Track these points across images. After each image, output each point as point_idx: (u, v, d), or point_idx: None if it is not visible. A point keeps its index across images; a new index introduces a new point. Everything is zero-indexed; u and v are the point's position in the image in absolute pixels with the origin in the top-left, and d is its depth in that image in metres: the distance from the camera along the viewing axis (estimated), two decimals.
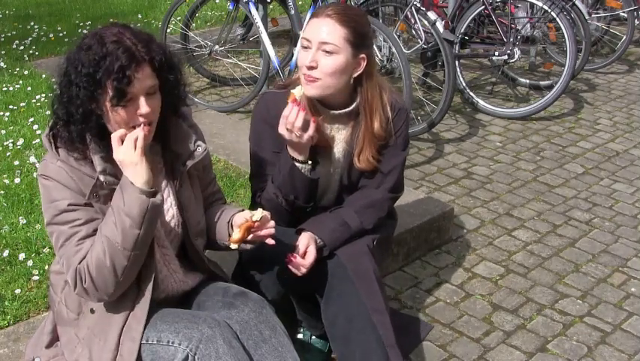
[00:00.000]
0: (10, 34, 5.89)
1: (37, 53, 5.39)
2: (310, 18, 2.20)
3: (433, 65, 4.81)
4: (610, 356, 2.63)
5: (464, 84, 4.88)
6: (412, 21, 4.38)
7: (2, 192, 3.20)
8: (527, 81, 5.38)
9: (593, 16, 5.84)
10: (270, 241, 1.98)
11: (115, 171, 1.77)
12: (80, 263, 1.76)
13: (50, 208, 1.78)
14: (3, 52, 5.40)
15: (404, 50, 4.09)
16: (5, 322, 2.38)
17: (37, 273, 2.62)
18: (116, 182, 1.76)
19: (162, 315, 1.88)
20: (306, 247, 2.13)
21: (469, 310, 2.86)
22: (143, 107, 1.72)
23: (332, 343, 2.21)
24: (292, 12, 4.58)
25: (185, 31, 4.87)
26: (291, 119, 2.06)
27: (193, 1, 4.77)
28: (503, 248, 3.31)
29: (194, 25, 5.24)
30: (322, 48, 2.09)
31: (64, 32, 5.96)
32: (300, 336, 2.54)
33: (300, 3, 5.39)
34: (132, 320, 1.85)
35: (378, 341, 2.09)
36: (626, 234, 3.47)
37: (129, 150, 1.70)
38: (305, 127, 2.08)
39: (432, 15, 4.19)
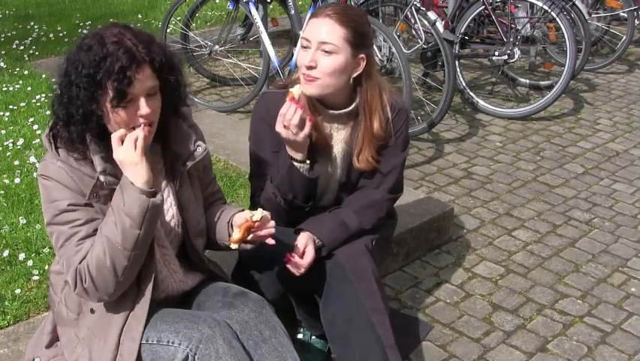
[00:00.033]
0: (10, 34, 5.89)
1: (37, 53, 5.39)
2: (310, 18, 2.20)
3: (433, 65, 4.81)
4: (610, 356, 2.63)
5: (464, 84, 4.88)
6: (412, 21, 4.38)
7: (2, 192, 3.20)
8: (527, 81, 5.38)
9: (593, 16, 5.84)
10: (270, 241, 1.98)
11: (115, 172, 1.77)
12: (80, 263, 1.76)
13: (50, 208, 1.78)
14: (3, 52, 5.40)
15: (404, 50, 4.09)
16: (5, 322, 2.38)
17: (37, 273, 2.62)
18: (116, 182, 1.76)
19: (162, 315, 1.88)
20: (304, 247, 2.13)
21: (469, 310, 2.86)
22: (144, 108, 1.72)
23: (331, 343, 2.21)
24: (292, 12, 4.58)
25: (185, 31, 4.87)
26: (288, 117, 2.06)
27: (193, 1, 4.77)
28: (503, 248, 3.31)
29: (194, 25, 5.24)
30: (321, 48, 2.09)
31: (64, 32, 5.96)
32: (300, 336, 2.54)
33: (300, 3, 5.39)
34: (132, 319, 1.85)
35: (378, 341, 2.09)
36: (626, 234, 3.47)
37: (129, 150, 1.70)
38: (301, 125, 2.08)
39: (432, 15, 4.19)
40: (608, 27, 6.09)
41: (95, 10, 6.89)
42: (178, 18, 4.96)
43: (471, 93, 4.89)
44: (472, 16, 4.72)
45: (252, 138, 2.34)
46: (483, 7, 4.63)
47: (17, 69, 4.92)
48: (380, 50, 4.60)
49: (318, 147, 2.25)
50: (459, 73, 4.77)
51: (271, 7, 5.49)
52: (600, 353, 2.64)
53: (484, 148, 4.39)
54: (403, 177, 2.42)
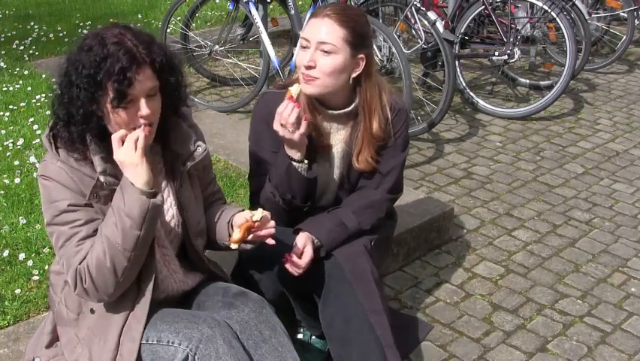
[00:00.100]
0: (10, 34, 5.89)
1: (37, 53, 5.39)
2: (309, 18, 2.20)
3: (433, 65, 4.81)
4: (610, 356, 2.63)
5: (464, 84, 4.88)
6: (412, 21, 4.38)
7: (2, 192, 3.20)
8: (527, 81, 5.38)
9: (593, 16, 5.84)
10: (270, 241, 1.98)
11: (115, 172, 1.77)
12: (80, 264, 1.76)
13: (50, 209, 1.78)
14: (3, 52, 5.40)
15: (404, 50, 4.09)
16: (5, 322, 2.38)
17: (37, 273, 2.62)
18: (117, 183, 1.76)
19: (162, 315, 1.88)
20: (303, 247, 2.13)
21: (469, 310, 2.86)
22: (144, 108, 1.72)
23: (330, 344, 2.21)
24: (292, 12, 4.58)
25: (185, 31, 4.87)
26: (285, 115, 2.07)
27: (193, 1, 4.77)
28: (503, 248, 3.31)
29: (194, 25, 5.24)
30: (320, 48, 2.09)
31: (64, 32, 5.96)
32: (300, 336, 2.54)
33: (300, 3, 5.39)
34: (132, 320, 1.86)
35: (376, 341, 2.09)
36: (626, 234, 3.47)
37: (130, 151, 1.70)
38: (298, 123, 2.08)
39: (432, 15, 4.19)
40: (608, 27, 6.09)
41: (95, 10, 6.89)
42: (178, 18, 4.96)
43: (471, 93, 4.89)
44: (472, 16, 4.72)
45: (251, 137, 2.34)
46: (483, 7, 4.63)
47: (17, 69, 4.92)
48: (380, 50, 4.61)
49: (317, 147, 2.25)
50: (459, 73, 4.77)
51: (271, 7, 5.49)
52: (600, 353, 2.64)
53: (484, 148, 4.39)
54: (402, 177, 2.42)
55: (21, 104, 4.23)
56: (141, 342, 1.84)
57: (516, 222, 3.55)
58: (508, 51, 4.60)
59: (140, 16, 6.68)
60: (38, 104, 4.26)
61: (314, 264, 2.14)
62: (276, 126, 2.11)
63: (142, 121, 1.73)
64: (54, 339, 2.02)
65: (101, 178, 1.75)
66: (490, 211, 3.63)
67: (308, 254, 2.12)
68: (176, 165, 1.94)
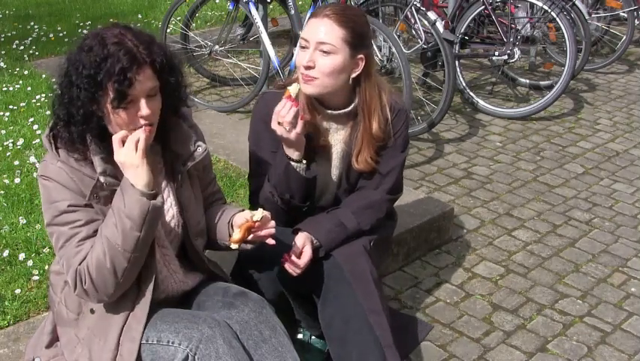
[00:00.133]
0: (10, 34, 5.89)
1: (37, 53, 5.39)
2: (309, 18, 2.20)
3: (433, 65, 4.81)
4: (610, 356, 2.63)
5: (464, 84, 4.88)
6: (412, 21, 4.38)
7: (2, 192, 3.20)
8: (527, 81, 5.38)
9: (593, 16, 5.84)
10: (271, 241, 1.98)
11: (115, 173, 1.77)
12: (80, 264, 1.76)
13: (50, 209, 1.78)
14: (3, 52, 5.40)
15: (404, 50, 4.09)
16: (5, 322, 2.38)
17: (37, 273, 2.62)
18: (117, 183, 1.76)
19: (162, 315, 1.88)
20: (302, 247, 2.13)
21: (469, 310, 2.86)
22: (144, 109, 1.72)
23: (329, 344, 2.21)
24: (292, 12, 4.58)
25: (185, 31, 4.87)
26: (283, 114, 2.07)
27: (193, 1, 4.77)
28: (503, 248, 3.31)
29: (194, 25, 5.24)
30: (319, 48, 2.09)
31: (64, 32, 5.96)
32: (300, 336, 2.54)
33: (300, 3, 5.39)
34: (132, 320, 1.86)
35: (376, 341, 2.09)
36: (626, 234, 3.47)
37: (130, 152, 1.70)
38: (295, 122, 2.08)
39: (432, 15, 4.19)
40: (608, 27, 6.09)
41: (95, 10, 6.89)
42: (178, 18, 4.96)
43: (471, 93, 4.89)
44: (472, 16, 4.72)
45: (251, 137, 2.35)
46: (483, 7, 4.63)
47: (17, 69, 4.92)
48: (380, 50, 4.60)
49: (316, 147, 2.25)
50: (459, 73, 4.77)
51: (271, 7, 5.49)
52: (600, 353, 2.64)
53: (484, 148, 4.39)
54: (402, 177, 2.42)
55: (21, 104, 4.23)
56: (141, 342, 1.84)
57: (516, 222, 3.55)
58: (508, 51, 4.60)
59: (140, 16, 6.68)
60: (38, 104, 4.26)
61: (313, 264, 2.14)
62: (274, 125, 2.11)
63: (142, 121, 1.73)
64: (54, 339, 2.02)
65: (101, 179, 1.75)
66: (490, 211, 3.63)
67: (307, 254, 2.13)
68: (176, 165, 1.94)
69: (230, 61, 5.07)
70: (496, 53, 4.67)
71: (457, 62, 4.61)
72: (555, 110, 5.02)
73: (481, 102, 4.86)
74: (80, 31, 5.99)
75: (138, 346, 1.83)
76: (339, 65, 2.10)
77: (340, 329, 2.14)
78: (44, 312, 2.42)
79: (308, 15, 4.34)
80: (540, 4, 4.61)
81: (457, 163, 4.16)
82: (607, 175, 4.09)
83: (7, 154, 3.59)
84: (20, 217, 2.98)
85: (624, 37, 5.81)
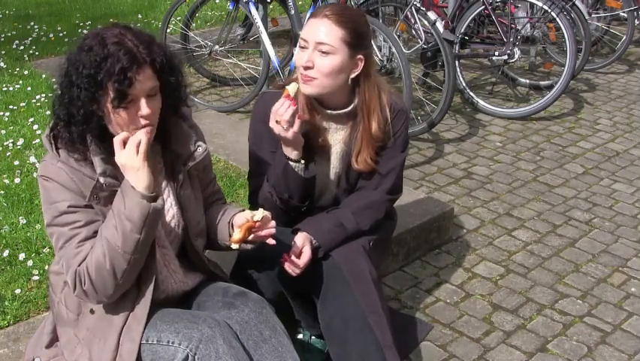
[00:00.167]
0: (10, 34, 5.89)
1: (37, 53, 5.39)
2: (309, 18, 2.20)
3: (433, 65, 4.81)
4: (610, 356, 2.63)
5: (464, 84, 4.88)
6: (412, 21, 4.38)
7: (2, 192, 3.20)
8: (527, 81, 5.38)
9: (593, 16, 5.84)
10: (271, 241, 1.98)
11: (115, 173, 1.77)
12: (79, 265, 1.76)
13: (50, 209, 1.78)
14: (3, 52, 5.40)
15: (404, 50, 4.09)
16: (5, 322, 2.38)
17: (37, 273, 2.62)
18: (117, 184, 1.76)
19: (162, 315, 1.88)
20: (301, 247, 2.13)
21: (469, 310, 2.86)
22: (144, 108, 1.72)
23: (329, 344, 2.21)
24: (292, 12, 4.58)
25: (185, 31, 4.87)
26: (280, 112, 2.07)
27: (193, 1, 4.77)
28: (503, 248, 3.31)
29: (194, 25, 5.25)
30: (319, 48, 2.09)
31: (64, 32, 5.96)
32: (300, 336, 2.54)
33: (300, 3, 5.39)
34: (132, 320, 1.86)
35: (375, 342, 2.09)
36: (626, 234, 3.47)
37: (131, 155, 1.69)
38: (292, 121, 2.08)
39: (432, 15, 4.19)
40: (608, 27, 6.09)
41: (95, 10, 6.89)
42: (178, 18, 4.96)
43: (471, 93, 4.89)
44: (472, 16, 4.72)
45: (251, 137, 2.35)
46: (483, 7, 4.63)
47: (17, 69, 4.92)
48: (380, 50, 4.60)
49: (316, 147, 2.25)
50: (459, 73, 4.77)
51: (271, 7, 5.49)
52: (600, 353, 2.64)
53: (484, 148, 4.39)
54: (402, 178, 2.42)
55: (21, 104, 4.23)
56: (141, 342, 1.84)
57: (516, 222, 3.55)
58: (508, 51, 4.60)
59: (140, 16, 6.68)
60: (38, 104, 4.26)
61: (312, 264, 2.14)
62: (272, 123, 2.11)
63: (142, 121, 1.73)
64: (54, 339, 2.02)
65: (101, 179, 1.75)
66: (490, 211, 3.63)
67: (306, 254, 2.13)
68: (176, 165, 1.94)
69: (230, 61, 5.07)
70: (496, 53, 4.67)
71: (457, 62, 4.62)
72: (555, 110, 5.02)
73: (481, 102, 4.86)
74: (79, 31, 5.99)
75: (138, 346, 1.83)
76: (338, 66, 2.10)
77: (340, 329, 2.14)
78: (44, 312, 2.42)
79: (308, 15, 4.34)
80: (540, 4, 4.61)
81: (457, 163, 4.16)
82: (607, 175, 4.09)
83: (7, 154, 3.59)
84: (20, 217, 2.98)
85: (624, 37, 5.81)
